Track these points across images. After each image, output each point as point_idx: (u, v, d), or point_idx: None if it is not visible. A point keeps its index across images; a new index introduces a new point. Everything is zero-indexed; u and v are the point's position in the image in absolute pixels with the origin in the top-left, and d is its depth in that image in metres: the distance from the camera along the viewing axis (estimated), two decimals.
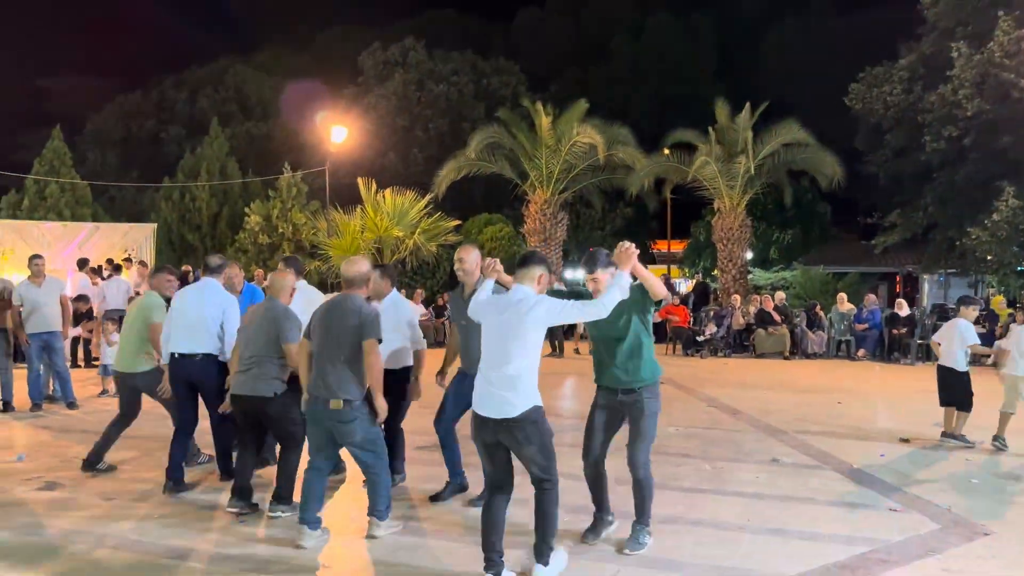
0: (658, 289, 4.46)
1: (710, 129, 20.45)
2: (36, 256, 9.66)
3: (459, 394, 5.35)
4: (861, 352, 15.37)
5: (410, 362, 5.81)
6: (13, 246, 17.87)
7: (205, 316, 5.85)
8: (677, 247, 34.55)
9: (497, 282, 4.55)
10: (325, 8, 45.00)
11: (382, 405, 4.70)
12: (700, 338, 16.48)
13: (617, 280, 4.09)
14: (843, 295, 16.70)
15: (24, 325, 9.10)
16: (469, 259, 5.25)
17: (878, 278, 26.23)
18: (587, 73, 38.00)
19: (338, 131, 24.08)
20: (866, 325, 15.50)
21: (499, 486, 4.06)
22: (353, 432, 4.63)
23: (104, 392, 10.10)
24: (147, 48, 51.21)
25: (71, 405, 9.26)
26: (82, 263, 14.93)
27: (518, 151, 21.43)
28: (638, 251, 4.20)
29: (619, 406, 4.63)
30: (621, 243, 4.19)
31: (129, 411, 6.39)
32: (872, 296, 16.31)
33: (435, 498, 5.54)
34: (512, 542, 4.22)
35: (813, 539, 4.72)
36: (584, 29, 41.95)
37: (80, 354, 13.58)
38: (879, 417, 9.11)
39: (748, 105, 19.97)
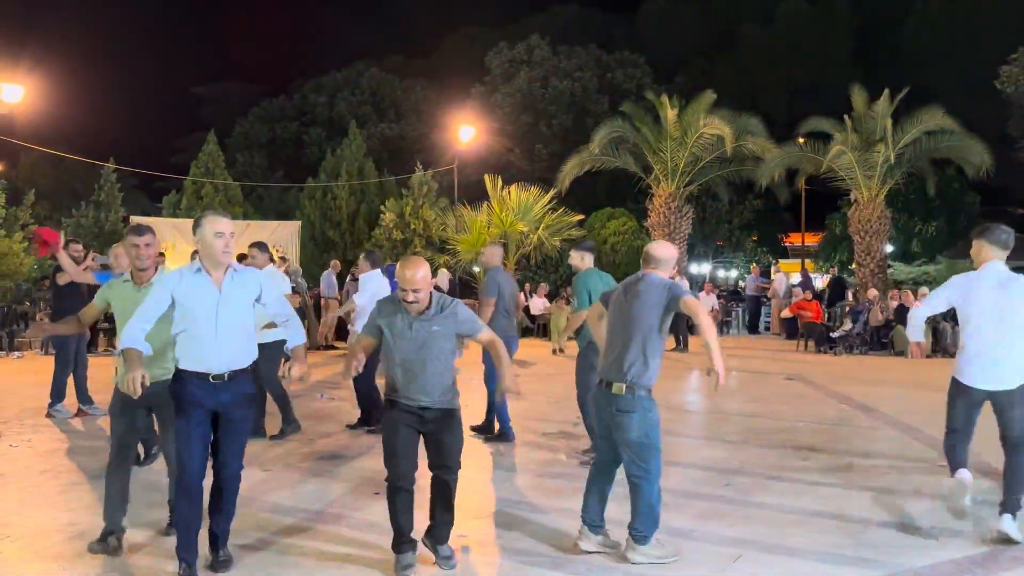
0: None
1: (846, 117, 19.70)
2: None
3: None
4: None
5: None
6: (174, 242, 19.56)
7: None
8: (812, 240, 33.36)
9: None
10: (452, 10, 46.17)
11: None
12: (834, 334, 15.96)
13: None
14: None
15: None
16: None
17: None
18: (714, 63, 37.26)
19: (466, 130, 24.80)
20: None
21: None
22: (629, 427, 4.14)
23: None
24: (289, 55, 54.25)
25: None
26: (240, 258, 16.15)
27: (642, 144, 21.36)
28: None
29: None
30: None
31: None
32: None
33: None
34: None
35: (942, 534, 4.65)
36: (711, 17, 41.07)
37: None
38: None
39: (887, 91, 19.09)
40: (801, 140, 20.82)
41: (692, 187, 21.82)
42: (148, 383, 3.74)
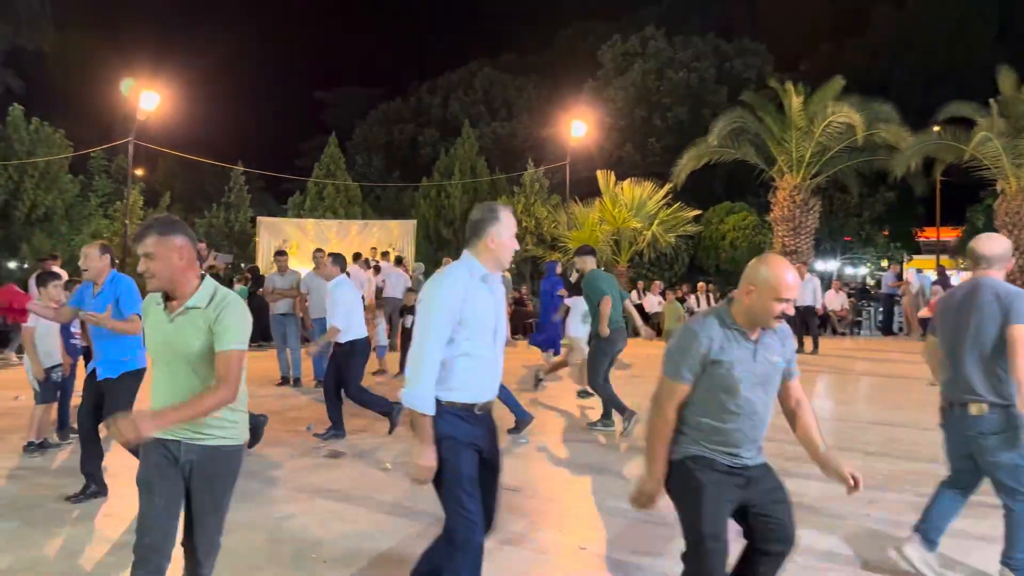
0: None
1: (991, 101, 18.20)
2: (318, 250, 10.84)
3: None
4: None
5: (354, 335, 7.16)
6: (298, 241, 20.27)
7: None
8: (948, 234, 31.20)
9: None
10: (567, 6, 45.92)
11: None
12: None
13: None
14: None
15: (308, 311, 10.28)
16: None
17: None
18: (842, 47, 35.45)
19: (578, 126, 24.53)
20: None
21: None
22: (994, 449, 3.73)
23: (380, 371, 11.12)
24: (406, 58, 55.55)
25: None
26: (355, 256, 16.55)
27: (764, 135, 20.46)
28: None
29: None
30: None
31: None
32: None
33: None
34: None
35: None
36: None
37: None
38: None
39: None
40: (938, 128, 19.41)
41: (819, 179, 20.75)
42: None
